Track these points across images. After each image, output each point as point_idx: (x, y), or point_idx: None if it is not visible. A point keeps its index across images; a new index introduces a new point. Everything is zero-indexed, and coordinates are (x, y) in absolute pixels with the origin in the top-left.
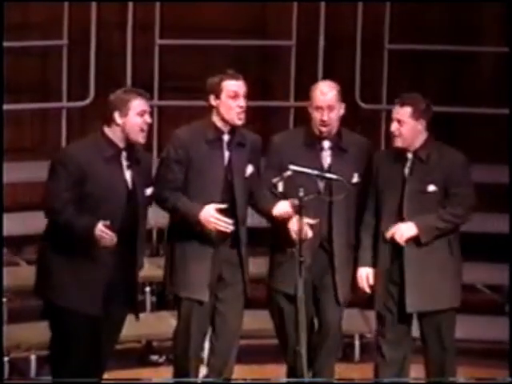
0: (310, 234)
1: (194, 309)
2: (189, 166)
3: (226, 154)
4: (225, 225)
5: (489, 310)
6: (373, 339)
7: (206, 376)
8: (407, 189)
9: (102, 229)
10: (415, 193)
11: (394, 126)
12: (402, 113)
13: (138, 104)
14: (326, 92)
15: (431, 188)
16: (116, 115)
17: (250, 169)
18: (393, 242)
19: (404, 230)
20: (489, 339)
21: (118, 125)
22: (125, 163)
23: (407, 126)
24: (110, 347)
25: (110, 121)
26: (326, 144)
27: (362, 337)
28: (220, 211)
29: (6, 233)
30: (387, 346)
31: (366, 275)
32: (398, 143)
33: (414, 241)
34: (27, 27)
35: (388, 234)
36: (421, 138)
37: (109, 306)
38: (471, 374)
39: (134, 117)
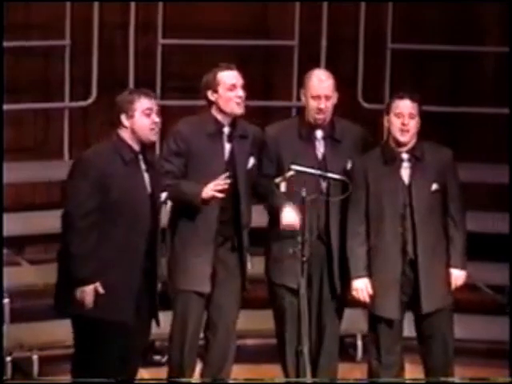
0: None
1: (192, 301)
2: (189, 159)
3: (227, 146)
4: (222, 183)
5: (489, 310)
6: None
7: (203, 373)
8: (414, 191)
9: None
10: (423, 194)
11: (407, 120)
12: (414, 107)
13: (142, 103)
14: (324, 80)
15: (435, 187)
16: (123, 118)
17: (251, 161)
18: None
19: (460, 280)
20: (489, 339)
21: (126, 127)
22: (143, 166)
23: (415, 121)
24: (139, 352)
25: (118, 124)
26: (319, 134)
27: (364, 336)
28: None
29: (8, 233)
30: (384, 350)
31: (365, 286)
32: (407, 138)
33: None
34: (29, 27)
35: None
36: (415, 136)
37: (138, 313)
38: (471, 373)
39: (141, 117)
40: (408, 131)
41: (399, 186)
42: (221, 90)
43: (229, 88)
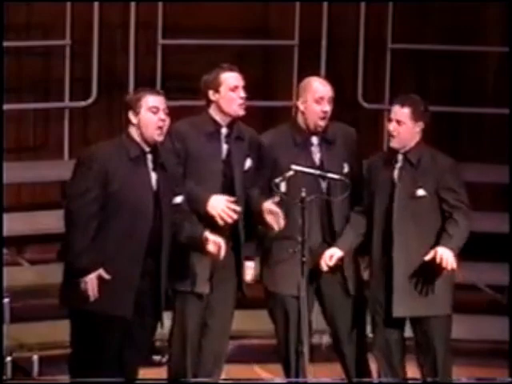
0: (282, 223)
1: (190, 302)
2: (187, 158)
3: (225, 147)
4: (231, 214)
5: (489, 310)
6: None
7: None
8: (396, 193)
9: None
10: (404, 197)
11: (393, 126)
12: (402, 113)
13: (148, 100)
14: (326, 84)
15: (420, 192)
16: (131, 115)
17: (248, 162)
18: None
19: (449, 257)
20: (489, 339)
21: (133, 124)
22: (150, 165)
23: (406, 128)
24: (141, 354)
25: (128, 122)
26: (315, 140)
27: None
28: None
29: (8, 233)
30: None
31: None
32: (395, 144)
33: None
34: (30, 27)
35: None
36: (414, 140)
37: (139, 312)
38: (471, 374)
39: (146, 113)
40: (395, 137)
41: (388, 187)
42: (223, 90)
43: (231, 89)
